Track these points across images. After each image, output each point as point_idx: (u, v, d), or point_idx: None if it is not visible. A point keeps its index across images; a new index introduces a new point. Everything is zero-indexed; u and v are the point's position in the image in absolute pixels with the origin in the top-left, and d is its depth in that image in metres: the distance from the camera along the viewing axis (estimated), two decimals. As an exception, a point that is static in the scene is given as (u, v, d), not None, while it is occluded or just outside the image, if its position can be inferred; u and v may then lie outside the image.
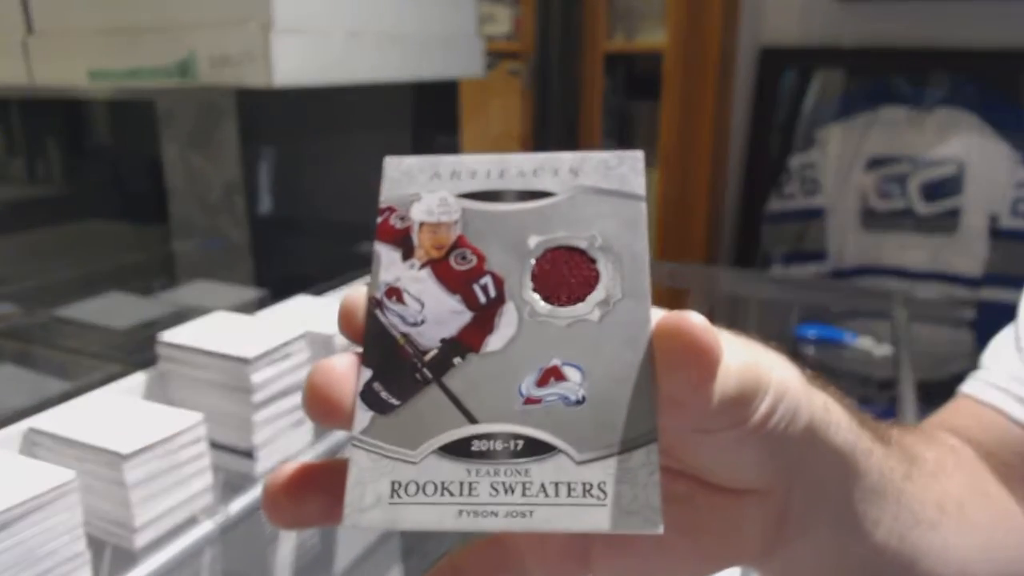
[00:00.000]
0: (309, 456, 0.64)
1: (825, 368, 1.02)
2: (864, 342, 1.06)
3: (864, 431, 0.27)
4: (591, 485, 0.17)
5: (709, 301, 1.30)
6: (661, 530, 0.17)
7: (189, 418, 0.53)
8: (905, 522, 0.28)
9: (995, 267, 1.53)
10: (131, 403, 0.57)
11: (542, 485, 0.17)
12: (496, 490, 0.17)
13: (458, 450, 0.18)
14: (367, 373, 0.19)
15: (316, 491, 0.19)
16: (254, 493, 0.58)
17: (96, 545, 0.49)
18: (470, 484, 0.17)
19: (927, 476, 0.30)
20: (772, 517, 0.24)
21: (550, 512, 0.17)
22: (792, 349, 1.08)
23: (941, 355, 1.43)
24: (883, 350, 1.03)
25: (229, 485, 0.59)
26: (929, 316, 1.49)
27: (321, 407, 0.18)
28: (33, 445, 0.52)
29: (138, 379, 0.60)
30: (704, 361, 0.17)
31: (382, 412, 0.18)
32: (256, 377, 0.58)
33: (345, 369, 0.19)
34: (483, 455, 0.18)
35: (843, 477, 0.26)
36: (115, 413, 0.54)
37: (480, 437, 0.18)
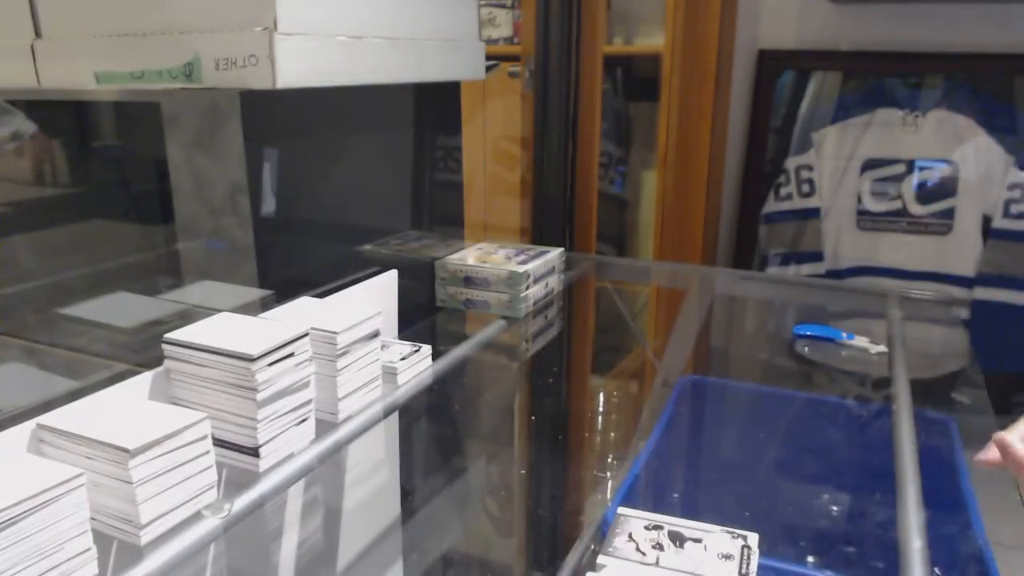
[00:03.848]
0: (311, 454, 0.64)
1: (821, 367, 1.03)
2: (860, 341, 1.07)
3: None
4: None
5: (707, 301, 1.30)
6: None
7: (194, 415, 0.54)
8: None
9: (988, 267, 1.55)
10: (137, 401, 0.57)
11: None
12: None
13: None
14: None
15: None
16: (258, 490, 0.59)
17: (102, 541, 0.50)
18: None
19: None
20: None
21: None
22: (789, 348, 1.09)
23: (935, 354, 1.44)
24: (878, 349, 1.04)
25: (233, 482, 0.60)
26: (923, 315, 1.50)
27: None
28: (40, 442, 0.53)
29: (144, 378, 0.61)
30: None
31: None
32: (260, 375, 0.58)
33: None
34: None
35: None
36: (121, 411, 0.55)
37: None
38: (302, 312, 0.71)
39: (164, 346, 0.61)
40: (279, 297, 0.76)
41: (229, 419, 0.60)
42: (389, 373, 0.76)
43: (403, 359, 0.77)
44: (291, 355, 0.61)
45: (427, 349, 0.81)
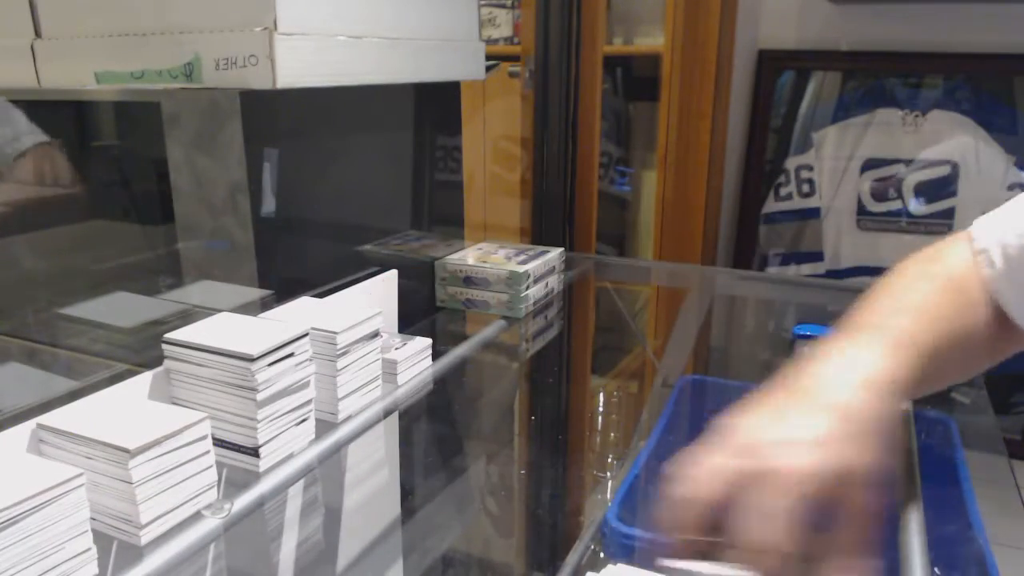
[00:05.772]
0: (311, 454, 0.64)
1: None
2: (860, 342, 1.07)
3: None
4: None
5: (707, 301, 1.30)
6: None
7: (194, 415, 0.54)
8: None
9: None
10: (137, 401, 0.57)
11: None
12: None
13: None
14: None
15: None
16: (258, 490, 0.59)
17: (102, 541, 0.50)
18: None
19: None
20: None
21: None
22: (789, 348, 1.09)
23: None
24: (878, 349, 1.04)
25: (233, 482, 0.60)
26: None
27: None
28: (40, 442, 0.53)
29: (144, 378, 0.61)
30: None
31: None
32: (260, 375, 0.58)
33: None
34: None
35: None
36: (121, 411, 0.55)
37: None
38: (302, 312, 0.71)
39: (164, 346, 0.61)
40: (279, 297, 0.77)
41: (229, 419, 0.60)
42: (389, 373, 0.76)
43: (397, 349, 0.78)
44: (291, 355, 0.61)
45: (427, 341, 0.81)
